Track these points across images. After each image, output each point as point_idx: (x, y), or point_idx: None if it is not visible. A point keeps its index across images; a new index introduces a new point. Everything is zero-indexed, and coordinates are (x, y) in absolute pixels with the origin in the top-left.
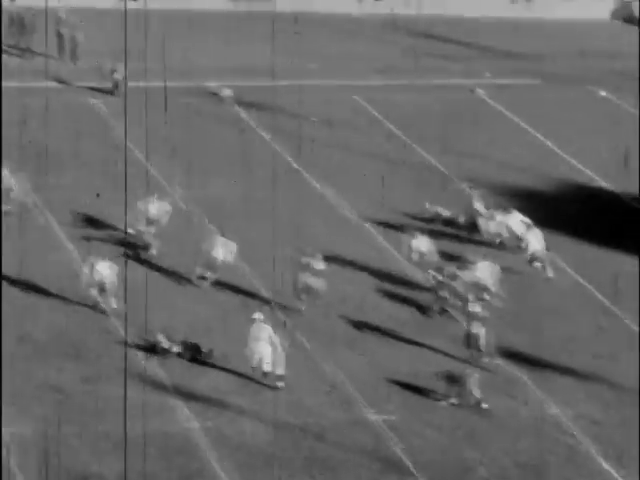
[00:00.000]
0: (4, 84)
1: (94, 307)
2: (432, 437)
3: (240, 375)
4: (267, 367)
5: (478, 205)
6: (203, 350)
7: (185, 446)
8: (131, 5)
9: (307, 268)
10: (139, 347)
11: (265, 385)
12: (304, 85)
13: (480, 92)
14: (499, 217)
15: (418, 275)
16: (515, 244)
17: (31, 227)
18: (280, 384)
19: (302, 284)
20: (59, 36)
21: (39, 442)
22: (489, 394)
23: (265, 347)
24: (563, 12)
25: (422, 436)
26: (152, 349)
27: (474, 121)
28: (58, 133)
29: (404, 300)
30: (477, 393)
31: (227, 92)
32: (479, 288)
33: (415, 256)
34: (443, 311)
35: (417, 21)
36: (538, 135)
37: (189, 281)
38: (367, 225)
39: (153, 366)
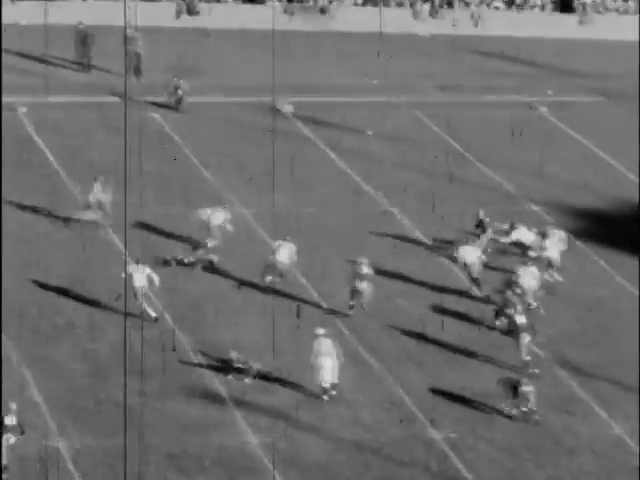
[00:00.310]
0: (69, 99)
1: (151, 321)
2: (489, 454)
3: (299, 390)
4: (326, 381)
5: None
6: (272, 374)
7: (243, 461)
8: (193, 23)
9: (357, 274)
10: (210, 366)
11: (323, 399)
12: (365, 101)
13: (542, 109)
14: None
15: (479, 290)
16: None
17: (96, 241)
18: (333, 392)
19: (353, 288)
20: (126, 53)
21: (100, 456)
22: (548, 410)
23: (327, 361)
24: (627, 34)
25: (480, 453)
26: (224, 368)
27: (535, 138)
28: (121, 147)
29: (463, 316)
30: (532, 404)
31: (288, 108)
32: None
33: (460, 266)
34: (509, 331)
35: (480, 40)
36: (599, 152)
37: (253, 290)
38: (427, 241)
39: (212, 381)
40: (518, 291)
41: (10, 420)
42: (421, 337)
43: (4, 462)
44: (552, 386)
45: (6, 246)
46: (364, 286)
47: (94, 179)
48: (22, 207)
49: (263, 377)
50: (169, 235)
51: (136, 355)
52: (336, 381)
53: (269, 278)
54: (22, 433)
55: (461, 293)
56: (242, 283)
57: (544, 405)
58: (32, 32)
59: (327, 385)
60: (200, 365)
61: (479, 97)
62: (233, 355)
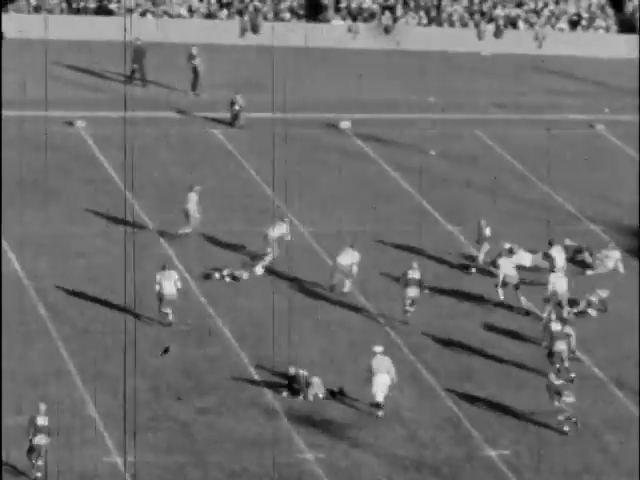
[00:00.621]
0: (127, 114)
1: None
2: (546, 472)
3: (355, 406)
4: (381, 397)
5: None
6: (337, 392)
7: (299, 477)
8: (252, 40)
9: (407, 280)
10: (268, 383)
11: (378, 415)
12: (424, 119)
13: (600, 128)
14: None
15: (539, 311)
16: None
17: (154, 257)
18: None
19: (405, 296)
20: (188, 69)
21: (160, 472)
22: (606, 430)
23: (384, 379)
24: None
25: (537, 471)
26: (282, 384)
27: (594, 156)
28: (180, 162)
29: (519, 335)
30: (568, 411)
31: (346, 124)
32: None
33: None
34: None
35: (539, 59)
36: None
37: (312, 308)
38: (487, 260)
39: (269, 397)
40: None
41: (42, 421)
42: (478, 354)
43: (40, 462)
44: (609, 406)
45: (67, 262)
46: (414, 293)
47: (189, 189)
48: (85, 222)
49: (325, 393)
50: (229, 249)
51: (197, 371)
52: (387, 396)
53: (335, 280)
54: (50, 434)
55: (523, 313)
56: (303, 301)
57: (602, 425)
58: (84, 47)
59: (382, 401)
60: (258, 382)
61: (540, 116)
62: (291, 371)
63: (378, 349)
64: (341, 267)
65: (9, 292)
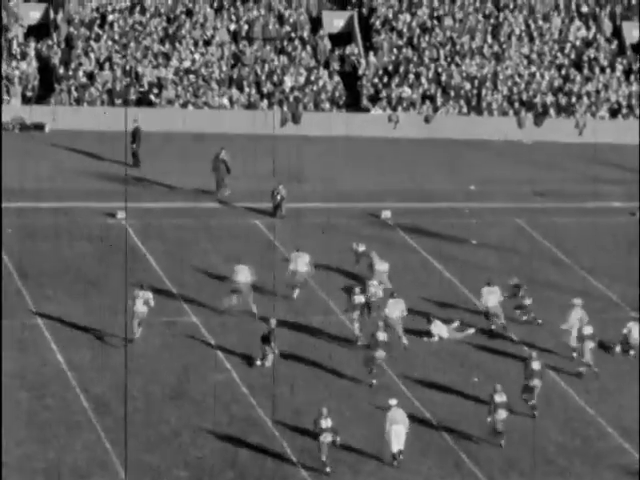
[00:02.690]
0: (165, 205)
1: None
2: None
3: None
4: (396, 448)
5: None
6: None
7: None
8: (296, 131)
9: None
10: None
11: (394, 464)
12: (465, 207)
13: None
14: None
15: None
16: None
17: (194, 344)
18: (400, 457)
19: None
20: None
21: None
22: None
23: (401, 429)
24: None
25: None
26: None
27: (635, 244)
28: (222, 252)
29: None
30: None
31: (387, 214)
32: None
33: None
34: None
35: (582, 147)
36: None
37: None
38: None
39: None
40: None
41: None
42: None
43: None
44: None
45: (115, 352)
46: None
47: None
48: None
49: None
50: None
51: (242, 460)
52: (402, 448)
53: (296, 292)
54: None
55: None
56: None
57: None
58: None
59: (397, 452)
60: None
61: (580, 204)
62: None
63: (393, 402)
64: (299, 275)
65: (53, 383)
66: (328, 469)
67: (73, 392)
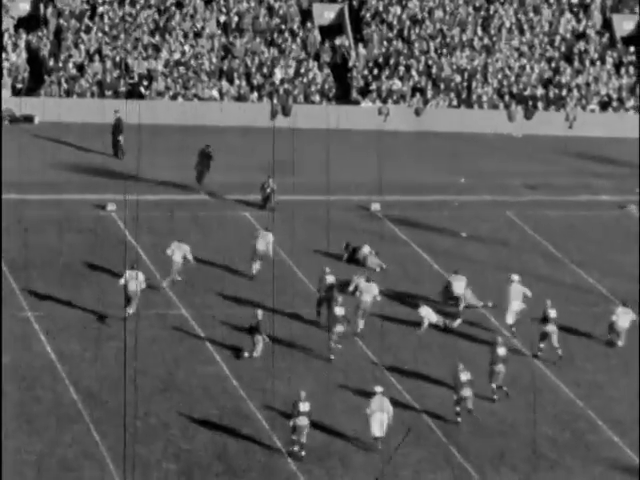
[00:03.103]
0: (155, 197)
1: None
2: None
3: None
4: (379, 432)
5: None
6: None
7: None
8: (286, 123)
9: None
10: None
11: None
12: (453, 200)
13: (631, 208)
14: None
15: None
16: None
17: (184, 339)
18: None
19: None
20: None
21: None
22: None
23: (383, 416)
24: None
25: None
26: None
27: (625, 238)
28: (212, 244)
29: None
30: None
31: (376, 206)
32: None
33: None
34: None
35: (571, 141)
36: None
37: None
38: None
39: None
40: None
41: None
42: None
43: None
44: None
45: (105, 344)
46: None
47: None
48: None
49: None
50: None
51: (231, 452)
52: (383, 435)
53: (256, 266)
54: None
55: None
56: None
57: None
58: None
59: (380, 435)
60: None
61: (570, 197)
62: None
63: (378, 389)
64: (260, 252)
65: (43, 375)
66: (303, 453)
67: (63, 384)
